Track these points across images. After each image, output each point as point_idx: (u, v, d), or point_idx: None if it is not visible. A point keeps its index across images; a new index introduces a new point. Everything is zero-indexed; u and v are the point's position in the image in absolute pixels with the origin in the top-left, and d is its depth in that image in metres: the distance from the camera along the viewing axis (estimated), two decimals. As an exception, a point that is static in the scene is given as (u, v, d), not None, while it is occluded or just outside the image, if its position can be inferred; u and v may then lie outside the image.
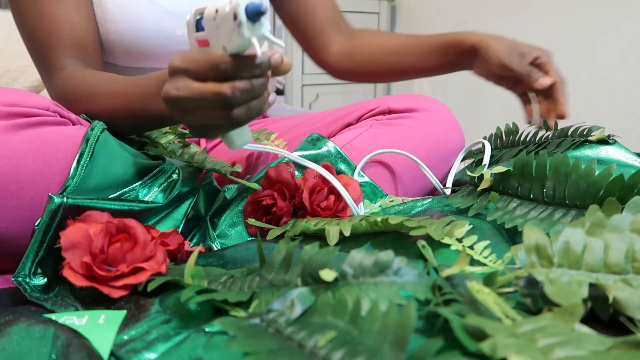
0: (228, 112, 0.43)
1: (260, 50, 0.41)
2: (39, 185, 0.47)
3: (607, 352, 0.25)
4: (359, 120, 0.76)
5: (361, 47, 0.89)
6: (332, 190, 0.57)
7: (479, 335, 0.26)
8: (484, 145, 0.72)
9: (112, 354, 0.33)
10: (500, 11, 1.75)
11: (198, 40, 0.45)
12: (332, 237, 0.47)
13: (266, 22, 0.41)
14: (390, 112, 0.74)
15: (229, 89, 0.41)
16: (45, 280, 0.44)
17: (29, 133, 0.47)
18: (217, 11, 0.42)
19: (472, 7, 1.85)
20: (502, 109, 1.79)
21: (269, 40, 0.41)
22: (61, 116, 0.52)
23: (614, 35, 1.43)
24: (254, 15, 0.40)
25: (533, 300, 0.35)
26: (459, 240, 0.44)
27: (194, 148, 0.66)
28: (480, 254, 0.42)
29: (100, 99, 0.59)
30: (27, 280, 0.43)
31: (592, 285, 0.33)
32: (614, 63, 1.45)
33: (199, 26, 0.45)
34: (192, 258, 0.40)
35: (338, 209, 0.57)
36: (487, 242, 0.43)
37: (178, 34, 0.52)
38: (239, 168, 0.62)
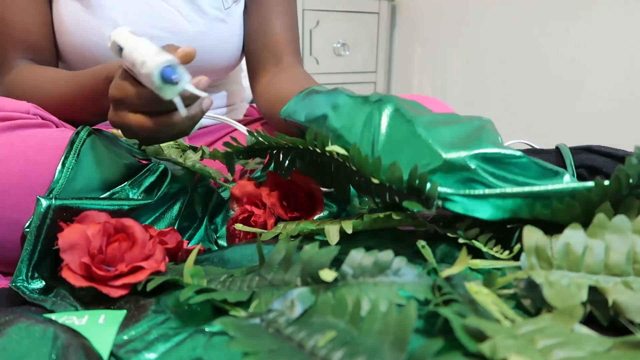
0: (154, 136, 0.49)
1: (182, 107, 0.43)
2: (23, 187, 0.46)
3: (606, 353, 0.25)
4: None
5: (266, 92, 0.79)
6: (298, 189, 0.56)
7: (479, 336, 0.26)
8: None
9: (112, 354, 0.33)
10: (500, 11, 1.75)
11: (125, 66, 0.47)
12: (332, 237, 0.47)
13: (185, 75, 0.42)
14: None
15: (152, 123, 0.47)
16: (44, 283, 0.44)
17: (10, 136, 0.47)
18: (133, 65, 0.44)
19: (472, 7, 1.86)
20: (503, 109, 1.79)
21: (192, 93, 0.43)
22: (43, 119, 0.52)
23: (613, 35, 1.43)
24: (169, 80, 0.41)
25: (532, 302, 0.35)
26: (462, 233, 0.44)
27: (190, 154, 0.66)
28: (486, 245, 0.42)
29: (48, 86, 0.62)
30: (25, 285, 0.43)
31: (591, 289, 0.33)
32: (612, 63, 1.45)
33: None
34: (192, 257, 0.40)
35: (312, 204, 0.56)
36: (489, 235, 0.43)
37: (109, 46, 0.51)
38: (230, 176, 0.62)
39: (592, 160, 0.82)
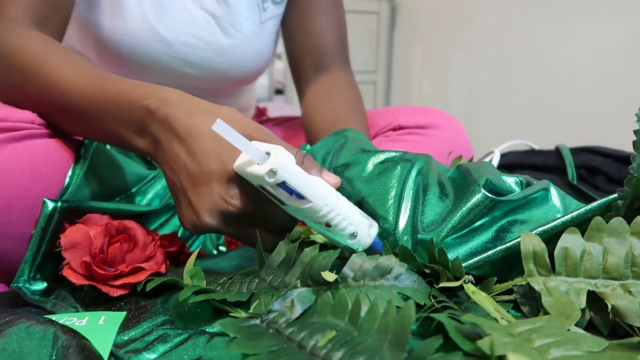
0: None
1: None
2: (28, 200, 0.45)
3: (602, 353, 0.25)
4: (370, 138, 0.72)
5: (303, 100, 0.77)
6: None
7: (475, 338, 0.26)
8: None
9: (112, 354, 0.33)
10: (501, 11, 1.75)
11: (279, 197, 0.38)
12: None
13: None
14: (400, 128, 0.72)
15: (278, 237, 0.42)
16: (45, 285, 0.44)
17: (16, 148, 0.46)
18: (332, 224, 0.39)
19: (472, 7, 1.86)
20: (503, 109, 1.79)
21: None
22: (47, 128, 0.50)
23: (613, 35, 1.44)
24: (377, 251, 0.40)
25: (531, 308, 0.35)
26: None
27: None
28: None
29: (56, 83, 0.47)
30: (27, 286, 0.43)
31: (591, 294, 0.33)
32: (612, 64, 1.45)
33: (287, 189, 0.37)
34: (192, 258, 0.40)
35: None
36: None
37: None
38: None
39: (592, 161, 0.82)
